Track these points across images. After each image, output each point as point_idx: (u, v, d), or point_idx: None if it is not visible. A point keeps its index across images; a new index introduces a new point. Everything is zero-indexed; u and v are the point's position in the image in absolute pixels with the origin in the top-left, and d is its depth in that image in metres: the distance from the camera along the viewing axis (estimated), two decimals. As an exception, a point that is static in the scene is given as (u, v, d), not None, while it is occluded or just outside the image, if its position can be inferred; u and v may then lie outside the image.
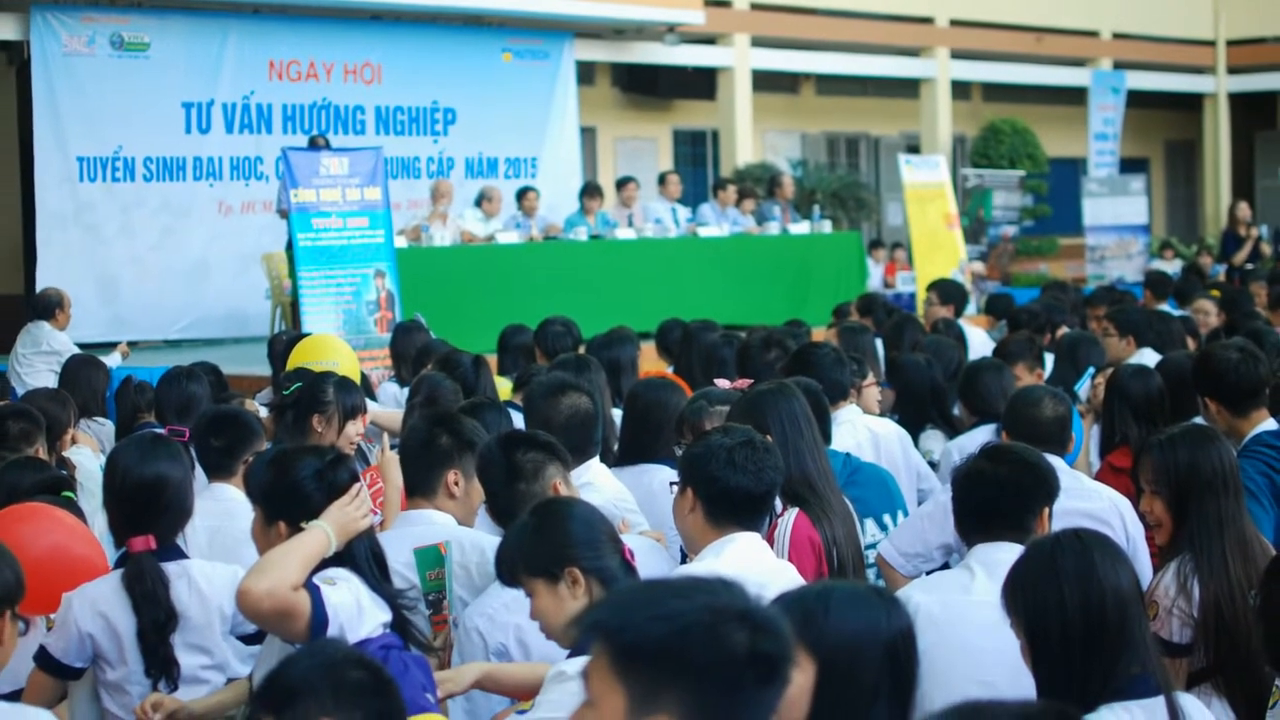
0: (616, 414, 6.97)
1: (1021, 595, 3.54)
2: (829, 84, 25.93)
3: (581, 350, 8.88)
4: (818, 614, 3.00)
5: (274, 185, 16.29)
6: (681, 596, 2.35)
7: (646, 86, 23.19)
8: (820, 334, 10.42)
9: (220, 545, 5.38)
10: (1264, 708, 4.23)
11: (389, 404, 8.93)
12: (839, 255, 18.06)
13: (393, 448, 5.57)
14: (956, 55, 25.27)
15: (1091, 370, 7.99)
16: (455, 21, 19.63)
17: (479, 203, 16.98)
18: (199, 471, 5.56)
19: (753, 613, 2.35)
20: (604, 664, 2.34)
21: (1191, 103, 30.15)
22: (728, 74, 22.66)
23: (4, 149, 18.19)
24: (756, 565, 4.20)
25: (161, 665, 4.56)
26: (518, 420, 6.19)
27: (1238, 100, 29.92)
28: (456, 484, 4.84)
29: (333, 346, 8.64)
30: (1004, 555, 4.01)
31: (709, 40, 22.41)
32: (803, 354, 6.90)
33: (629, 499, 5.61)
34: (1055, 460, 5.00)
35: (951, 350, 9.10)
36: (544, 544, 3.92)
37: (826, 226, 18.64)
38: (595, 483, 5.50)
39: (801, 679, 2.88)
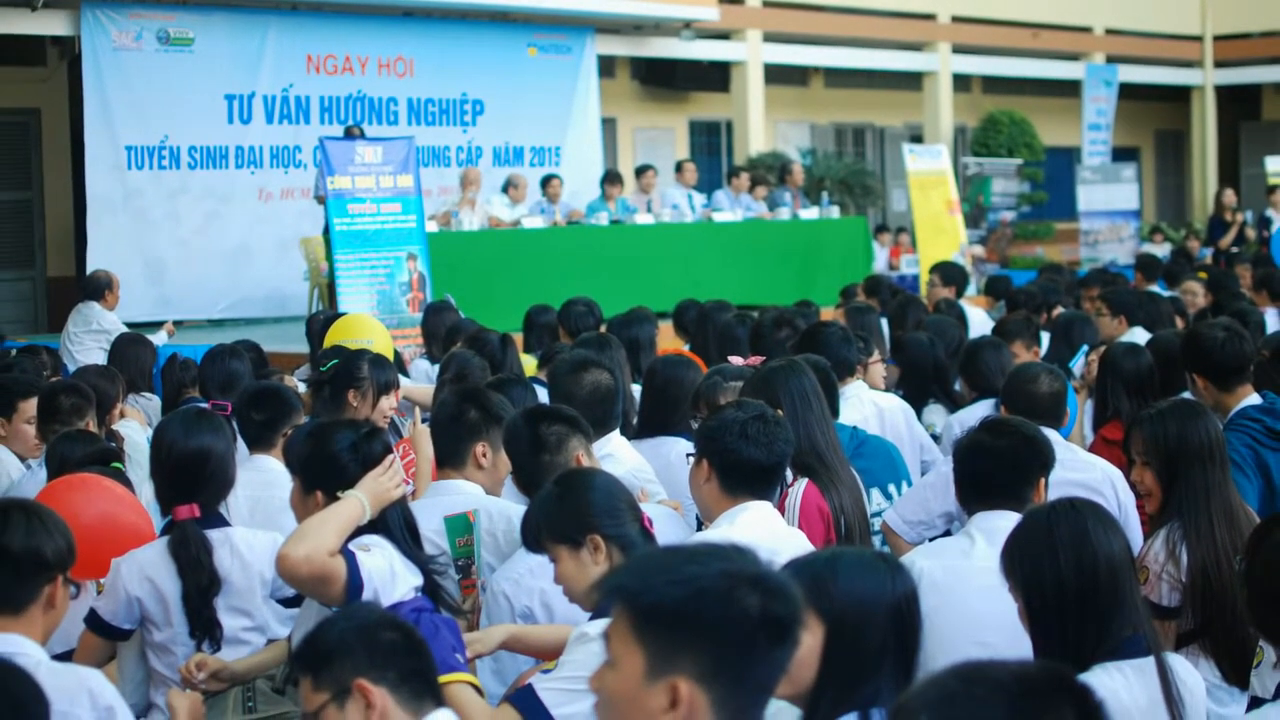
0: (636, 389, 6.95)
1: (1019, 561, 3.53)
2: (837, 77, 25.87)
3: (603, 329, 8.86)
4: (826, 578, 3.00)
5: (312, 173, 16.31)
6: (697, 562, 2.34)
7: (664, 79, 23.16)
8: (828, 314, 10.41)
9: (261, 513, 5.39)
10: (1248, 667, 4.23)
11: (420, 380, 8.94)
12: (846, 239, 18.01)
13: (424, 421, 5.56)
14: (957, 50, 25.20)
15: (1085, 348, 7.95)
16: (483, 17, 19.61)
17: (506, 189, 16.95)
18: (241, 444, 5.54)
19: (765, 577, 2.34)
20: (624, 626, 2.34)
21: (1180, 95, 30.03)
22: (741, 68, 22.60)
23: (57, 139, 18.25)
24: (768, 532, 4.20)
25: (205, 627, 4.57)
26: (542, 395, 6.19)
27: (1224, 92, 29.78)
28: (484, 455, 4.82)
29: (367, 325, 8.62)
30: (1003, 523, 3.99)
31: (723, 35, 22.34)
32: (812, 333, 6.88)
33: (648, 470, 5.59)
34: (1051, 433, 4.97)
35: (953, 329, 9.07)
36: (567, 512, 3.91)
37: (834, 212, 18.59)
38: (615, 454, 5.49)
39: (811, 640, 2.88)
